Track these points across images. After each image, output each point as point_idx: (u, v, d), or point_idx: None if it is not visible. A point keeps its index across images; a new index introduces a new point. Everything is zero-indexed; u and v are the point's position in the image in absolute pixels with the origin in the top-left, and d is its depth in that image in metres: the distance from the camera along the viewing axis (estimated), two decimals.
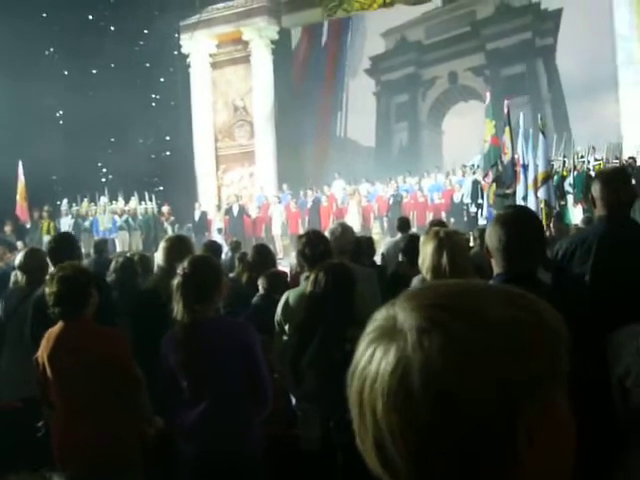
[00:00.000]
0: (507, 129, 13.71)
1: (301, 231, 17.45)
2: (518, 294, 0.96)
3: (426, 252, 4.01)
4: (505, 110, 13.83)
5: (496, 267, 3.20)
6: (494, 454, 0.87)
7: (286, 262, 13.92)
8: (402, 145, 26.79)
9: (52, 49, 25.25)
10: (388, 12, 24.30)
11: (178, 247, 5.29)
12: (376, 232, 20.54)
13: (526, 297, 0.96)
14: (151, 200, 24.08)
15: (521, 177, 13.63)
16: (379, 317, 0.96)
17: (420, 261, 4.07)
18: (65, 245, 5.70)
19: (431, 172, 22.73)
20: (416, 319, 0.90)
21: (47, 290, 4.19)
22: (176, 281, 3.99)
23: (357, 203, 21.70)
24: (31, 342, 4.51)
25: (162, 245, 5.45)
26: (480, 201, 16.93)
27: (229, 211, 23.28)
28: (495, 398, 0.86)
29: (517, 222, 3.19)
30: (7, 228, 21.12)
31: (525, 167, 13.62)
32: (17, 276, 6.48)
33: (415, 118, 26.73)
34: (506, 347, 0.88)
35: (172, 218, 23.61)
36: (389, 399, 0.88)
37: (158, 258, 5.49)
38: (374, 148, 27.05)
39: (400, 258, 7.33)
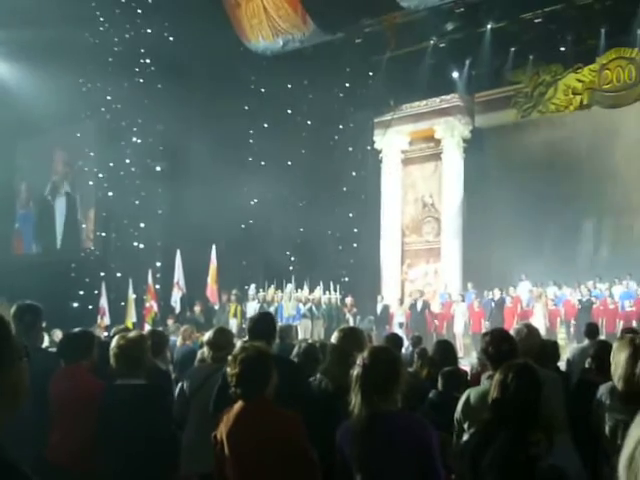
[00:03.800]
0: None
1: (483, 331, 17.16)
2: None
3: (619, 360, 3.85)
4: None
5: None
6: None
7: (466, 361, 13.67)
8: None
9: (251, 140, 26.39)
10: (583, 115, 23.69)
11: (350, 338, 5.27)
12: (561, 337, 19.89)
13: None
14: (335, 290, 24.38)
15: None
16: None
17: (612, 369, 3.90)
18: (265, 322, 5.95)
19: (623, 279, 21.73)
20: None
21: (229, 371, 4.25)
22: (355, 372, 3.95)
23: (543, 306, 21.13)
24: (213, 416, 4.60)
25: (335, 335, 5.44)
26: None
27: (413, 306, 23.22)
28: None
29: None
30: (197, 308, 22.18)
31: None
32: (204, 353, 6.69)
33: None
34: None
35: (355, 309, 23.84)
36: None
37: (330, 348, 5.49)
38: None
39: (587, 364, 7.02)
